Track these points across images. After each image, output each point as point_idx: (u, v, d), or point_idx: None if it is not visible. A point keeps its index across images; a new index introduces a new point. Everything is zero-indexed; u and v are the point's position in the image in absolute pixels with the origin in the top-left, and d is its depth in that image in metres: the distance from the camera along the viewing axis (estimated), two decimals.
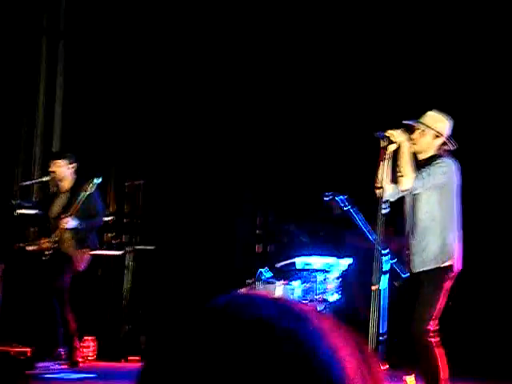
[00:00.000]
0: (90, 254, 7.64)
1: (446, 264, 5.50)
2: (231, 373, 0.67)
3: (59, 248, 7.46)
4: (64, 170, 7.64)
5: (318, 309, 7.35)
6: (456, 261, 5.54)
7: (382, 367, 6.39)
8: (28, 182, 8.82)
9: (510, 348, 8.21)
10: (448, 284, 5.53)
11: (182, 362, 0.70)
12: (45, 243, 7.55)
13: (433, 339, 5.36)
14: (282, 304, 0.74)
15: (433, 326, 5.38)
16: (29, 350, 6.86)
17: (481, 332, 8.62)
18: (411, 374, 5.50)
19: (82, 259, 7.53)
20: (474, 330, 8.66)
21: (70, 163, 7.64)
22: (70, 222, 7.41)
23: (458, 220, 5.62)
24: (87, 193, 7.35)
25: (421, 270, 5.53)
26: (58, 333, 7.28)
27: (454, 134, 5.67)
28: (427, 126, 5.58)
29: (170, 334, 0.74)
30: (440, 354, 5.38)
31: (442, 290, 5.46)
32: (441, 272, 5.48)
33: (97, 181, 7.39)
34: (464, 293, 8.69)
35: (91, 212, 7.53)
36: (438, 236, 5.53)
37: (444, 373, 5.38)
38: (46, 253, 7.43)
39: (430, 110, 5.67)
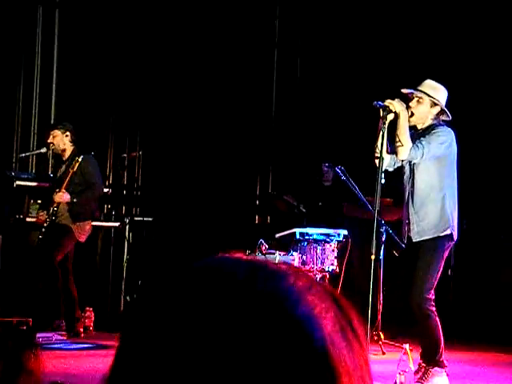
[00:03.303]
0: (91, 225, 7.67)
1: (446, 233, 5.51)
2: (206, 336, 0.67)
3: (55, 220, 7.48)
4: (60, 140, 7.62)
5: (317, 279, 7.39)
6: (455, 230, 5.55)
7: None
8: (26, 154, 8.82)
9: (505, 315, 8.27)
10: (446, 253, 5.55)
11: (158, 322, 0.70)
12: (42, 215, 7.57)
13: (433, 308, 5.39)
14: (256, 264, 0.74)
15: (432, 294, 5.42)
16: (30, 320, 6.89)
17: (474, 299, 8.67)
18: (406, 343, 5.53)
19: (82, 231, 7.55)
20: (467, 298, 8.71)
21: (65, 132, 7.62)
22: (64, 197, 7.42)
23: (456, 189, 5.64)
24: (74, 170, 7.38)
25: (420, 239, 5.54)
26: (59, 303, 7.32)
27: (450, 105, 5.66)
28: (425, 94, 5.56)
29: (147, 295, 0.75)
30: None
31: (441, 259, 5.48)
32: (440, 241, 5.50)
33: (81, 159, 7.38)
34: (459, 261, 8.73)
35: (87, 185, 7.53)
36: (436, 205, 5.53)
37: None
38: (45, 225, 7.45)
39: (427, 79, 5.66)
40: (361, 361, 0.72)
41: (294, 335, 0.68)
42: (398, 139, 5.44)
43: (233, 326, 0.68)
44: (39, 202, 7.96)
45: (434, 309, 5.40)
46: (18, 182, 7.99)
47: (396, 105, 5.41)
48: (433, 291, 5.41)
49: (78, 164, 7.37)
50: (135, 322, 0.72)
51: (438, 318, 5.40)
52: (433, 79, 5.65)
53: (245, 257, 0.76)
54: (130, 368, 0.70)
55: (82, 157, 7.40)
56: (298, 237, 7.60)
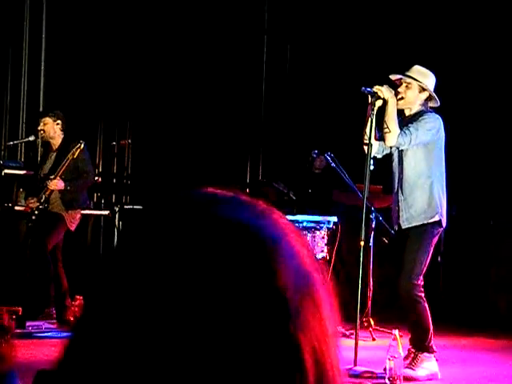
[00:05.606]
0: (81, 214, 7.65)
1: (434, 219, 5.53)
2: (188, 263, 0.64)
3: (47, 208, 7.45)
4: (51, 128, 7.58)
5: None
6: (443, 216, 5.57)
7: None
8: (14, 142, 8.77)
9: (492, 300, 8.31)
10: (435, 239, 5.57)
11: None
12: (33, 203, 7.53)
13: (422, 294, 5.41)
14: (243, 200, 0.72)
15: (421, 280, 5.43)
16: (20, 308, 6.88)
17: (463, 286, 8.71)
18: (396, 329, 5.55)
19: (73, 219, 7.53)
20: (457, 284, 8.75)
21: (56, 120, 7.58)
22: (58, 184, 7.39)
23: (444, 176, 5.65)
24: (74, 156, 7.33)
25: (409, 226, 5.55)
26: (49, 291, 7.30)
27: (438, 91, 5.66)
28: (413, 79, 5.56)
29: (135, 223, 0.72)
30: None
31: (430, 245, 5.50)
32: (429, 227, 5.52)
33: (83, 145, 7.34)
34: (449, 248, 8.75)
35: (80, 173, 7.50)
36: (424, 192, 5.55)
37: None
38: (36, 212, 7.42)
39: (415, 64, 5.66)
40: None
41: (279, 276, 0.65)
42: (385, 125, 5.45)
43: (222, 264, 0.64)
44: (22, 190, 7.92)
45: (422, 295, 5.41)
46: (6, 171, 7.95)
47: (384, 91, 5.41)
48: (421, 277, 5.43)
49: (78, 150, 7.31)
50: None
51: (426, 304, 5.42)
52: (421, 65, 5.64)
53: (233, 193, 0.74)
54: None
55: (84, 143, 7.36)
56: None
